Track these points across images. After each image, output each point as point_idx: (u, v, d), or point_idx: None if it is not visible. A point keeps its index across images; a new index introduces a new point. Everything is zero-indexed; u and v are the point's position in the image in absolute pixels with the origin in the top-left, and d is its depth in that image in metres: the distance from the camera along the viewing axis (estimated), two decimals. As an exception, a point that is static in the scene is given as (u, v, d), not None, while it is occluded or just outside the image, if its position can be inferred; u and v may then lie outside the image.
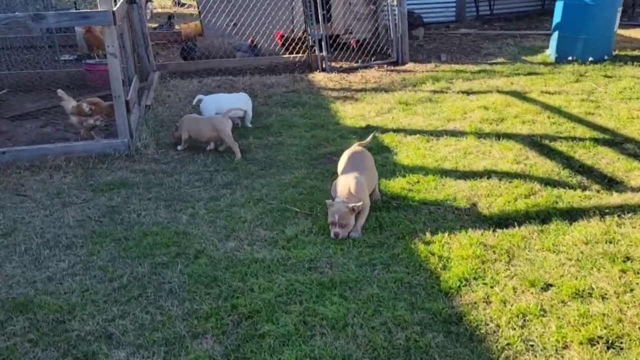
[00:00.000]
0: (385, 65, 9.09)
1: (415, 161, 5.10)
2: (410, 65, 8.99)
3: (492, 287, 3.18)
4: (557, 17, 8.52)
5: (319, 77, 8.54)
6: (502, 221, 3.93)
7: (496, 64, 8.73)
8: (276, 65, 9.25)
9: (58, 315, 3.15)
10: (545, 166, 4.83)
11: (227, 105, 6.00)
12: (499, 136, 5.57)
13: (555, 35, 8.54)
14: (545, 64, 8.47)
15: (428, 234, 3.80)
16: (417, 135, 5.76)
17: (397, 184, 4.62)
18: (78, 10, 6.56)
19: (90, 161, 5.46)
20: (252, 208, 4.39)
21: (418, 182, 4.67)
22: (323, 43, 8.85)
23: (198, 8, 10.93)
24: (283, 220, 4.17)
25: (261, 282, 3.35)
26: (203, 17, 9.96)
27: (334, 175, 4.93)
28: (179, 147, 5.94)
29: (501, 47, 10.00)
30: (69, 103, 5.87)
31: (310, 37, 9.01)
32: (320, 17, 8.82)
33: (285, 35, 9.52)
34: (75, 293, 3.37)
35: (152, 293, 3.33)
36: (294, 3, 9.68)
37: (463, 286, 3.20)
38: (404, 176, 4.77)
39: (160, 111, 6.97)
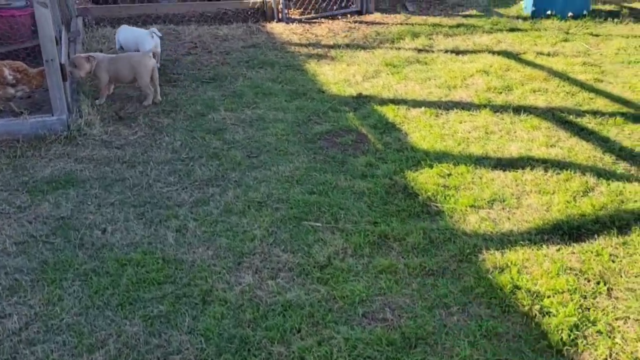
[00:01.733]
0: (349, 15, 8.06)
1: (435, 144, 4.28)
2: (377, 16, 8.01)
3: (611, 338, 2.51)
4: (536, -34, 7.83)
5: (278, 29, 7.37)
6: (573, 230, 3.26)
7: (470, 16, 7.96)
8: (225, 12, 7.91)
9: None
10: (584, 150, 4.19)
11: (140, 41, 5.48)
12: (516, 110, 4.87)
13: (533, -14, 7.87)
14: (523, 18, 7.81)
15: (496, 253, 3.05)
16: (423, 108, 4.92)
17: (427, 179, 3.80)
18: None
19: (17, 147, 4.15)
20: (255, 216, 3.41)
21: (450, 174, 3.87)
22: (280, -13, 7.63)
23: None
24: (302, 234, 3.25)
25: (311, 343, 2.46)
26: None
27: (342, 164, 4.04)
28: (98, 101, 4.84)
29: (466, -4, 9.23)
30: (-21, 66, 4.41)
31: (265, -20, 7.73)
32: (277, -44, 7.56)
33: None
34: (40, 377, 2.31)
35: (159, 371, 2.35)
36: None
37: (576, 338, 2.50)
38: (431, 166, 3.95)
39: (96, 72, 5.59)
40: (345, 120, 4.75)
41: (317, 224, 3.34)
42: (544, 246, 3.12)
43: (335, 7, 8.31)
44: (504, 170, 3.92)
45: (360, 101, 5.15)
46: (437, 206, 3.52)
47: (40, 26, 3.94)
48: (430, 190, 3.68)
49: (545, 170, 3.89)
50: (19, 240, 3.18)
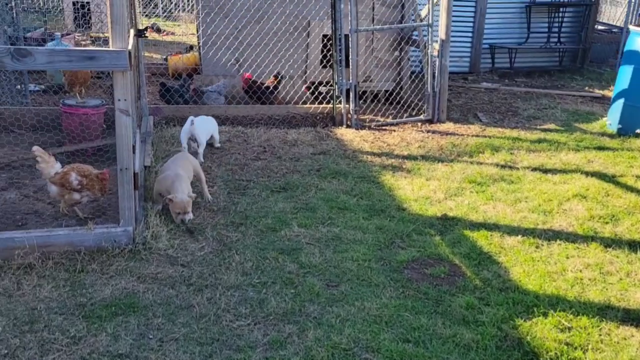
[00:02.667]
0: (420, 124, 7.79)
1: (544, 285, 3.69)
2: (449, 126, 7.71)
3: None
4: (622, 84, 7.46)
5: (348, 135, 7.12)
6: None
7: (550, 131, 7.55)
8: (293, 116, 7.78)
9: None
10: None
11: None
12: (630, 246, 4.26)
13: (620, 103, 7.45)
14: (609, 135, 7.35)
15: None
16: (519, 237, 4.38)
17: (544, 332, 3.19)
18: (80, 48, 4.88)
19: (77, 259, 3.79)
20: (343, 370, 2.86)
21: (570, 327, 3.25)
22: (351, 93, 7.48)
23: (198, 38, 9.39)
24: (402, 401, 2.66)
25: None
26: (203, 50, 8.41)
27: (437, 304, 3.48)
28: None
29: (540, 108, 8.89)
30: (50, 167, 4.20)
31: (337, 86, 7.62)
32: (351, 63, 7.48)
33: (253, 79, 7.93)
34: None
35: None
36: (309, 42, 8.28)
37: None
38: (545, 315, 3.35)
39: (164, 176, 5.35)
40: (433, 247, 4.25)
41: (419, 388, 2.76)
42: None
43: (405, 115, 8.09)
44: (637, 327, 3.28)
45: (447, 223, 4.66)
46: (563, 373, 2.89)
47: (119, 133, 3.71)
48: (551, 348, 3.05)
49: (690, 331, 3.23)
50: (68, 383, 2.71)
